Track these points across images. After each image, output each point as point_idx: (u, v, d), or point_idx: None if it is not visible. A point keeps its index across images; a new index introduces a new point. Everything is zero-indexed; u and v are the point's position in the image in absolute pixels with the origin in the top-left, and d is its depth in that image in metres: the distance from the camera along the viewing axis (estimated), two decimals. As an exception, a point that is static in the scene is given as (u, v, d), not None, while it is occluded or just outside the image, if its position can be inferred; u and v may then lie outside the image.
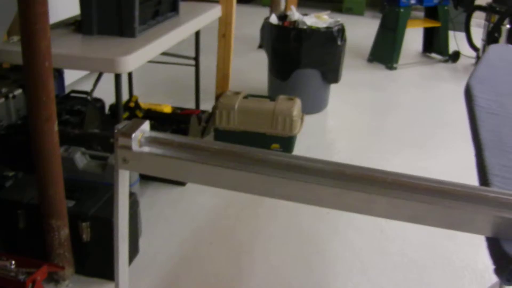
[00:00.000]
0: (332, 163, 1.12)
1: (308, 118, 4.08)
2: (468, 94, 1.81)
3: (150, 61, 2.85)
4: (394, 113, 4.63)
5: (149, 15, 3.04)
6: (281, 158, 1.15)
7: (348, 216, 2.80)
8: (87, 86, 3.47)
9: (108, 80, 2.94)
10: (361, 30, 6.81)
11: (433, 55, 6.28)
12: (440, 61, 6.15)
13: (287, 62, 4.24)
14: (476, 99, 1.74)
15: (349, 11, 8.12)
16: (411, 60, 6.08)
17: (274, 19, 4.44)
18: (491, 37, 5.87)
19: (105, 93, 3.35)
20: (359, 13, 8.02)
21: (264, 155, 1.17)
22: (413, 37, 6.45)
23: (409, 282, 2.48)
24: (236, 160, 1.17)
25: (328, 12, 4.67)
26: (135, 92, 3.93)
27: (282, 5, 6.11)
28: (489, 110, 1.65)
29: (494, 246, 1.02)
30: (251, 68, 5.16)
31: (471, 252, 2.68)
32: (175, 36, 3.06)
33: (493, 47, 2.36)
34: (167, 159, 1.22)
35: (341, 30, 4.30)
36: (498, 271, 1.00)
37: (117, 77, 2.60)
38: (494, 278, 2.05)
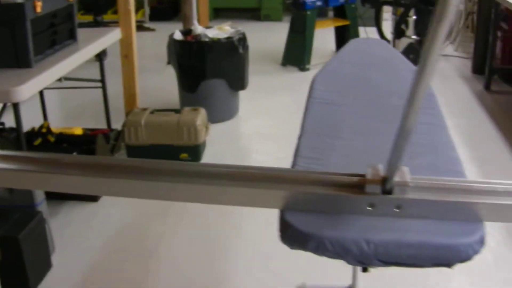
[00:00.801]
0: (220, 165, 1.27)
1: (219, 126, 4.29)
2: (310, 87, 2.02)
3: (62, 87, 2.98)
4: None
5: (46, 45, 3.20)
6: (159, 166, 1.27)
7: (250, 213, 2.99)
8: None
9: (28, 109, 3.08)
10: (279, 36, 7.01)
11: (346, 52, 6.54)
12: (352, 57, 6.41)
13: (193, 75, 4.43)
14: (313, 91, 1.94)
15: (268, 18, 8.35)
16: (324, 59, 6.31)
17: (178, 35, 4.63)
18: (398, 30, 6.18)
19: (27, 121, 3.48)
20: (277, 19, 8.26)
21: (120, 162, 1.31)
22: (326, 37, 6.72)
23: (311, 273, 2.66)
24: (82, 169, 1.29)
25: (230, 23, 4.88)
26: (51, 118, 4.07)
27: (195, 20, 6.29)
28: (323, 101, 1.85)
29: (279, 217, 1.21)
30: (166, 84, 5.33)
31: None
32: (71, 62, 3.23)
33: (352, 41, 2.55)
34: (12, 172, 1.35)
35: (243, 39, 4.51)
36: (282, 237, 1.19)
37: (15, 106, 2.76)
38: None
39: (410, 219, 1.14)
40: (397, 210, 1.13)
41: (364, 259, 1.09)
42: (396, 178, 1.13)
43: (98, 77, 3.93)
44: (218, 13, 8.59)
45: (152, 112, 3.89)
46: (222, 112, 4.51)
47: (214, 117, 4.21)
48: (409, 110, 1.01)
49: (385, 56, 2.20)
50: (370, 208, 1.14)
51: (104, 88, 4.02)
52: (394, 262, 1.10)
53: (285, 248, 2.51)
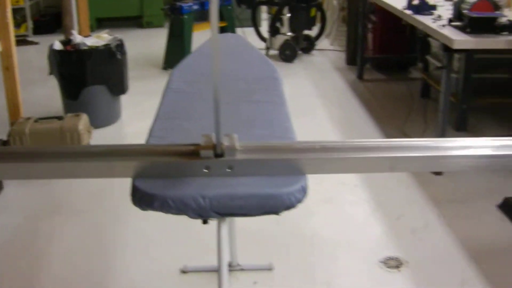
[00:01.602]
0: (88, 146, 1.41)
1: (103, 130, 4.39)
2: (168, 80, 2.19)
3: None
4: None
5: None
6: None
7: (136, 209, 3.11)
8: None
9: None
10: (161, 41, 7.14)
11: (227, 53, 6.76)
12: (233, 57, 6.64)
13: (74, 83, 4.50)
14: (169, 82, 2.12)
15: (150, 24, 8.46)
16: (206, 61, 6.51)
17: (57, 45, 4.69)
18: (273, 28, 6.47)
19: None
20: (159, 25, 8.36)
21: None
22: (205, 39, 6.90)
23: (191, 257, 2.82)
24: None
25: (107, 31, 4.98)
26: None
27: (74, 30, 6.32)
28: (177, 90, 2.03)
29: (131, 185, 1.37)
30: (49, 94, 5.33)
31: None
32: None
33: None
34: None
35: (120, 45, 4.63)
36: (133, 200, 1.36)
37: None
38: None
39: (242, 176, 1.33)
40: (229, 170, 1.32)
41: (202, 212, 1.28)
42: (226, 143, 1.31)
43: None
44: (101, 23, 8.61)
45: (36, 121, 3.94)
46: (104, 117, 4.61)
47: (97, 122, 4.30)
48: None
49: (239, 49, 2.41)
50: (206, 170, 1.32)
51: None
52: (228, 213, 1.30)
53: (167, 236, 2.65)
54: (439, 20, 3.49)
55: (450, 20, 3.37)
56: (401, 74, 5.76)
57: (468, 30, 3.17)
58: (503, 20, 3.23)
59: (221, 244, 1.88)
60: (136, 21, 8.62)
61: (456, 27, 3.28)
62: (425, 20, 3.54)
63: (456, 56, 4.21)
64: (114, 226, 3.12)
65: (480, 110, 4.49)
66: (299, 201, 1.29)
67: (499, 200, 3.21)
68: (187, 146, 1.34)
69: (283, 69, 5.84)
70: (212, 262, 2.60)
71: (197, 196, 1.28)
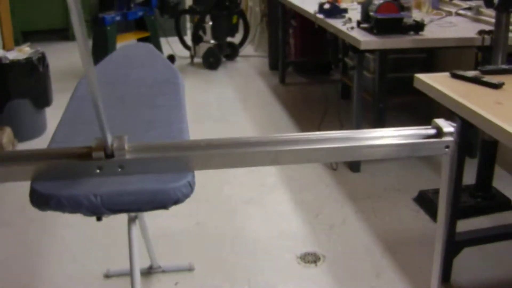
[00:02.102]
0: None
1: (27, 143, 4.35)
2: (74, 88, 2.21)
3: None
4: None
5: None
6: None
7: (64, 218, 3.11)
8: None
9: None
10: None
11: (152, 63, 6.77)
12: (158, 67, 6.65)
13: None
14: (75, 91, 2.15)
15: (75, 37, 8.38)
16: (131, 71, 6.51)
17: (-23, 61, 4.62)
18: (196, 36, 6.51)
19: None
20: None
21: None
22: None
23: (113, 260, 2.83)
24: None
25: (29, 44, 4.94)
26: None
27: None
28: (81, 97, 2.06)
29: (30, 188, 1.40)
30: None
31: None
32: None
33: (121, 47, 2.79)
34: None
35: (42, 58, 4.60)
36: (31, 201, 1.39)
37: None
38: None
39: (133, 175, 1.37)
40: (120, 169, 1.36)
41: (95, 210, 1.33)
42: (116, 145, 1.36)
43: None
44: (27, 36, 8.52)
45: (-42, 136, 3.89)
46: (29, 130, 4.56)
47: (22, 135, 4.27)
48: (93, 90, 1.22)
49: (146, 57, 2.45)
50: (98, 171, 1.35)
51: None
52: (120, 209, 1.35)
53: (91, 242, 2.64)
54: (349, 23, 3.60)
55: (359, 23, 3.48)
56: (323, 77, 5.89)
57: (374, 31, 3.28)
58: (409, 20, 3.36)
59: (131, 245, 1.92)
60: (62, 34, 8.54)
61: (364, 28, 3.40)
62: (336, 23, 3.64)
63: (371, 57, 4.35)
64: (40, 235, 3.10)
65: (397, 108, 4.64)
66: (186, 196, 1.35)
67: (415, 194, 3.33)
68: (81, 149, 1.37)
69: (207, 77, 5.92)
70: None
71: (89, 194, 1.32)
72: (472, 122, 2.07)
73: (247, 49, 7.08)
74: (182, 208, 3.20)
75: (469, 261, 2.70)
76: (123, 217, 2.50)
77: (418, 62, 4.44)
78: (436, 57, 4.48)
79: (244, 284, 2.62)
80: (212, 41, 6.47)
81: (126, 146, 1.36)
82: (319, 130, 4.25)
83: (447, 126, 1.48)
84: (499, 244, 2.79)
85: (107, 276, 2.70)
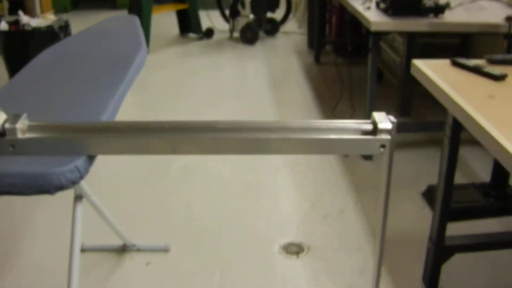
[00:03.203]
0: None
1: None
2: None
3: None
4: (139, 93, 4.95)
5: None
6: None
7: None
8: None
9: None
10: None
11: (190, 35, 6.67)
12: (195, 39, 6.55)
13: (17, 63, 4.44)
14: (33, 60, 2.06)
15: (124, 6, 8.34)
16: (166, 43, 6.43)
17: (3, 26, 4.62)
18: (233, 10, 6.37)
19: None
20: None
21: None
22: (170, 21, 6.84)
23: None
24: None
25: (53, 11, 4.92)
26: None
27: (37, 10, 6.25)
28: (31, 69, 1.97)
29: None
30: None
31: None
32: None
33: (106, 20, 2.64)
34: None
35: (64, 26, 4.57)
36: None
37: None
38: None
39: (25, 156, 1.26)
40: (12, 148, 1.25)
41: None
42: (9, 123, 1.24)
43: None
44: (77, 4, 8.60)
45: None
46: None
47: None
48: None
49: (122, 31, 2.32)
50: (-8, 149, 1.25)
51: None
52: (1, 191, 1.23)
53: (66, 219, 2.54)
54: (369, 2, 3.39)
55: (378, 3, 3.27)
56: (360, 59, 5.65)
57: (390, 12, 3.07)
58: (429, 2, 3.13)
59: (75, 224, 1.83)
60: (111, 3, 8.55)
61: (382, 9, 3.18)
62: (354, 2, 3.43)
63: (400, 40, 4.13)
64: (21, 214, 3.05)
65: (425, 95, 4.39)
66: (72, 181, 1.22)
67: (425, 187, 3.13)
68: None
69: (242, 52, 5.77)
70: (111, 241, 2.59)
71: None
72: (456, 116, 1.87)
73: (291, 25, 6.89)
74: (175, 186, 3.12)
75: (461, 267, 2.50)
76: (98, 193, 2.44)
77: (451, 48, 4.17)
78: (471, 42, 4.20)
79: (215, 272, 2.50)
80: (251, 16, 6.30)
81: (20, 125, 1.25)
82: (333, 114, 4.08)
83: (384, 122, 1.30)
84: (500, 252, 2.58)
85: (82, 250, 2.63)
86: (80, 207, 1.89)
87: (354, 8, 3.33)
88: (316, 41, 5.58)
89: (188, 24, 6.58)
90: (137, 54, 1.99)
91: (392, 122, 1.31)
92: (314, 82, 5.01)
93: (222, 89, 4.87)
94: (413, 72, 2.28)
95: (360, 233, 2.77)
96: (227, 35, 6.59)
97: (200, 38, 6.52)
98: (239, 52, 6.01)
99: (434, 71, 2.17)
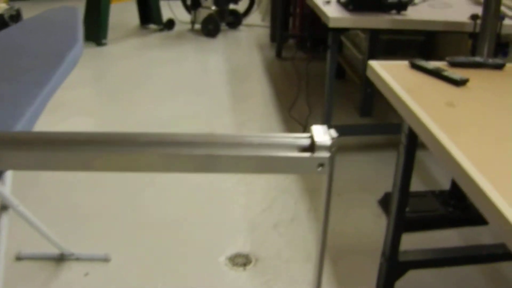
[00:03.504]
0: None
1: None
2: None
3: None
4: (96, 85, 4.72)
5: None
6: None
7: None
8: None
9: None
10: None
11: (151, 26, 6.44)
12: (156, 30, 6.32)
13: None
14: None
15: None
16: (125, 33, 6.20)
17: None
18: (195, 1, 6.15)
19: None
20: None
21: None
22: (130, 11, 6.60)
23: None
24: None
25: (5, 0, 4.69)
26: None
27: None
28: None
29: None
30: None
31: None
32: None
33: (46, 11, 2.44)
34: None
35: (16, 16, 4.35)
36: None
37: None
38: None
39: None
40: None
41: None
42: None
43: None
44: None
45: None
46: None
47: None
48: None
49: (61, 24, 2.12)
50: None
51: None
52: None
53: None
54: (330, -4, 3.21)
55: (339, -4, 3.09)
56: (324, 54, 5.48)
57: (350, 7, 2.90)
58: (392, -2, 2.96)
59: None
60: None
61: (342, 4, 3.01)
62: (316, -5, 3.25)
63: (362, 36, 3.97)
64: None
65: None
66: None
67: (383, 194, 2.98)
68: None
69: (203, 45, 5.57)
70: (51, 249, 2.40)
71: None
72: (410, 125, 1.70)
73: (254, 18, 6.69)
74: (118, 191, 2.92)
75: (416, 284, 2.34)
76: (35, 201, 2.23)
77: (415, 45, 4.03)
78: (436, 40, 4.06)
79: (157, 284, 2.31)
80: (213, 7, 6.09)
81: None
82: (289, 113, 3.91)
83: (323, 137, 1.12)
84: (458, 267, 2.43)
85: (19, 258, 2.49)
86: (5, 218, 1.70)
87: (313, 2, 3.15)
88: (278, 35, 5.40)
89: (148, 15, 6.35)
90: (71, 50, 1.80)
91: (332, 138, 1.12)
92: (275, 77, 4.83)
93: (181, 82, 4.67)
94: (369, 73, 2.12)
95: (310, 243, 2.61)
96: (189, 26, 6.37)
97: (161, 30, 6.30)
98: (200, 45, 5.80)
99: (391, 73, 2.00)
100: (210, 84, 4.64)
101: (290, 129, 3.73)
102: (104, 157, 1.08)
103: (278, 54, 5.39)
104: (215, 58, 5.38)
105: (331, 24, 2.82)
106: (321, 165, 1.12)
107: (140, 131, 1.12)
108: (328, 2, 3.06)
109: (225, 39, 6.03)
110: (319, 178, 2.95)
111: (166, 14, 6.35)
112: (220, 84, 4.63)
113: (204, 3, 6.08)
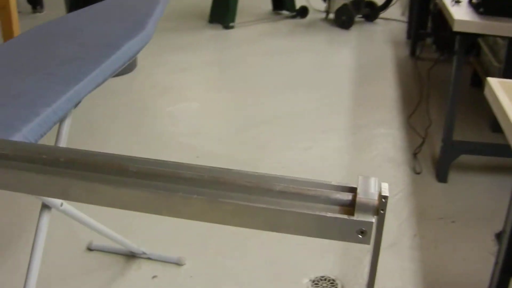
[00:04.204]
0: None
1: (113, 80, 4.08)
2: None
3: None
4: (212, 69, 4.61)
5: None
6: None
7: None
8: None
9: None
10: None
11: (283, 12, 6.24)
12: (287, 17, 6.11)
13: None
14: (19, 37, 1.72)
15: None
16: (255, 18, 6.02)
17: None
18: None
19: None
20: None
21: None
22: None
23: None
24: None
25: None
26: None
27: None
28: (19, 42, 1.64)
29: None
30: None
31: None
32: None
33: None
34: None
35: None
36: None
37: None
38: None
39: None
40: None
41: None
42: None
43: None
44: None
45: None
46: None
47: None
48: None
49: (138, 8, 1.94)
50: None
51: None
52: None
53: None
54: (463, -5, 2.83)
55: (471, -3, 2.71)
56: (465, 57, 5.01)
57: (481, 9, 2.51)
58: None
59: (37, 236, 1.54)
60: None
61: (473, 5, 2.63)
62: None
63: (501, 42, 3.53)
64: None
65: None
66: None
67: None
68: None
69: (334, 36, 5.30)
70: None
71: None
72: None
73: (393, 11, 6.28)
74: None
75: None
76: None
77: None
78: None
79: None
80: (348, -3, 5.78)
81: None
82: (408, 123, 3.54)
83: (370, 193, 0.84)
84: None
85: (90, 249, 2.41)
86: (45, 218, 1.56)
87: (441, 1, 2.78)
88: (414, 32, 4.99)
89: (281, 0, 6.14)
90: (128, 40, 1.59)
91: (382, 197, 0.84)
92: (404, 78, 4.45)
93: (302, 75, 4.43)
94: (486, 92, 1.77)
95: (410, 275, 2.29)
96: (323, 15, 6.09)
97: (293, 17, 6.07)
98: (331, 36, 5.52)
99: (509, 95, 1.65)
100: (333, 80, 4.36)
101: (407, 140, 3.38)
102: (81, 186, 0.86)
103: (412, 53, 4.99)
104: (344, 51, 5.08)
105: (456, 28, 2.46)
106: (362, 232, 0.84)
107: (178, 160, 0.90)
108: (457, 2, 2.68)
109: (358, 32, 5.69)
110: (435, 199, 2.60)
111: (300, 1, 6.11)
112: (343, 81, 4.34)
113: (340, -8, 5.78)
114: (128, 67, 4.39)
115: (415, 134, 3.44)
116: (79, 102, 1.33)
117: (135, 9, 1.91)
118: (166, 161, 0.90)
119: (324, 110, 3.78)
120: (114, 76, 4.07)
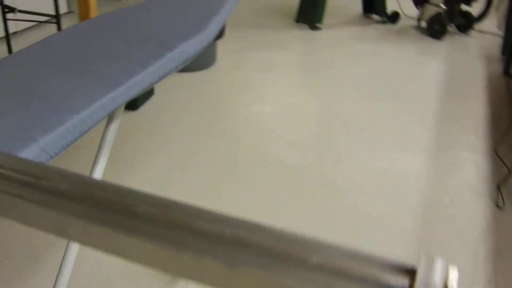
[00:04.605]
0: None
1: (193, 74, 4.04)
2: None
3: None
4: (288, 71, 4.48)
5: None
6: None
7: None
8: None
9: None
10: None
11: (374, 16, 6.04)
12: (378, 22, 5.91)
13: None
14: (72, 27, 1.64)
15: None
16: (344, 20, 5.86)
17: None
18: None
19: None
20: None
21: None
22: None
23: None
24: None
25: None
26: None
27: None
28: (74, 32, 1.56)
29: None
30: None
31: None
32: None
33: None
34: None
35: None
36: None
37: None
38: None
39: None
40: None
41: None
42: None
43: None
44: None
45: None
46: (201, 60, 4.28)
47: (189, 65, 4.05)
48: None
49: (194, 5, 1.83)
50: None
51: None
52: None
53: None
54: None
55: None
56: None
57: None
58: None
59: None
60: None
61: None
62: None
63: None
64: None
65: None
66: None
67: None
68: None
69: (424, 46, 5.09)
70: None
71: None
72: None
73: (490, 23, 5.98)
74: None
75: None
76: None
77: None
78: None
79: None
80: (442, 6, 5.52)
81: None
82: (494, 150, 3.31)
83: (430, 279, 0.70)
84: None
85: None
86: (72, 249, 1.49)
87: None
88: (509, 48, 4.71)
89: (372, 4, 5.95)
90: (183, 41, 1.48)
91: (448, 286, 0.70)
92: (494, 99, 4.20)
93: (385, 85, 4.25)
94: None
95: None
96: (414, 23, 5.86)
97: (383, 22, 5.87)
98: (420, 45, 5.29)
99: None
100: (418, 93, 4.15)
101: (492, 169, 3.17)
102: (79, 226, 0.76)
103: (506, 71, 4.71)
104: (433, 63, 4.85)
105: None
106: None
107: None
108: None
109: (451, 44, 5.44)
110: None
111: (392, 6, 5.90)
112: (430, 95, 4.13)
113: (432, 0, 5.52)
114: (206, 62, 4.31)
115: (501, 163, 3.22)
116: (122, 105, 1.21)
117: (201, 6, 1.79)
118: (184, 203, 0.78)
119: (407, 126, 3.60)
120: (190, 72, 4.05)
